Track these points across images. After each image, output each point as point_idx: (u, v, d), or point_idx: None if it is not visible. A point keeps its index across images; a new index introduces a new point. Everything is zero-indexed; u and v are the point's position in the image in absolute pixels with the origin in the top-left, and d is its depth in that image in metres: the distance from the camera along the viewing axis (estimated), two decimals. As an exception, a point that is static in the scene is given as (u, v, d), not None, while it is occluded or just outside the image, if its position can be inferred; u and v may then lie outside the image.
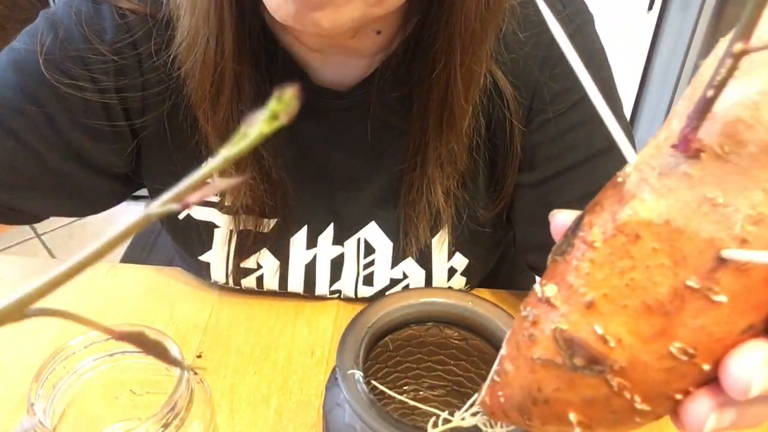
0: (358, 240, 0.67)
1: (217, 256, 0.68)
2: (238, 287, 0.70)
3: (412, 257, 0.67)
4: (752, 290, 0.21)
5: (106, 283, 0.72)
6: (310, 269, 0.68)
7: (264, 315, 0.69)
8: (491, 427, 0.30)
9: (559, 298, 0.25)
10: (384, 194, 0.65)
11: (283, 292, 0.70)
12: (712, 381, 0.23)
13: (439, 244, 0.66)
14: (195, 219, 0.66)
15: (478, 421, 0.30)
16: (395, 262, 0.67)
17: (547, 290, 0.25)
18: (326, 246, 0.68)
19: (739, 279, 0.21)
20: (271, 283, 0.69)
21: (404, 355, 0.51)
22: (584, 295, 0.24)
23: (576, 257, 0.24)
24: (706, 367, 0.22)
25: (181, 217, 0.67)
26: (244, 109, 0.56)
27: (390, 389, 0.53)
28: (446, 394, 0.54)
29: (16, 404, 0.59)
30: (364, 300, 0.70)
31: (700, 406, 0.23)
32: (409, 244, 0.65)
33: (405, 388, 0.54)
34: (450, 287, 0.68)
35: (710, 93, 0.20)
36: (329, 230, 0.67)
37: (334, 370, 0.46)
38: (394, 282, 0.68)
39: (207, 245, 0.68)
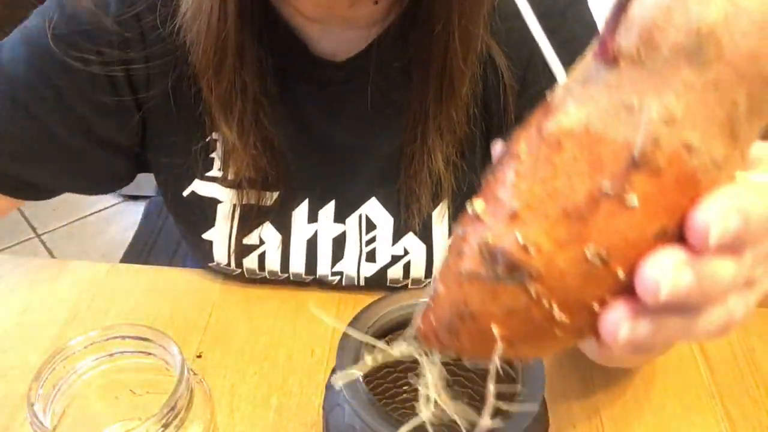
0: (359, 216, 0.68)
1: (220, 233, 0.68)
2: (240, 270, 0.70)
3: (413, 232, 0.67)
4: (664, 192, 0.22)
5: (106, 283, 0.72)
6: (312, 245, 0.69)
7: (264, 315, 0.69)
8: (426, 356, 0.30)
9: (487, 212, 0.25)
10: (384, 170, 0.66)
11: (285, 276, 0.70)
12: (628, 291, 0.23)
13: (440, 217, 0.67)
14: (199, 195, 0.67)
15: (413, 351, 0.30)
16: (396, 239, 0.68)
17: (477, 206, 0.26)
18: (328, 223, 0.68)
19: (651, 181, 0.21)
20: (273, 261, 0.69)
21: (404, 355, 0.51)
22: (509, 207, 0.24)
23: (503, 172, 0.25)
24: (621, 274, 0.23)
25: (185, 194, 0.68)
26: (246, 79, 0.58)
27: (390, 389, 0.53)
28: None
29: (16, 404, 0.59)
30: (366, 284, 0.70)
31: (615, 314, 0.23)
32: (411, 217, 0.66)
33: (405, 388, 0.54)
34: None
35: None
36: (330, 206, 0.68)
37: (334, 370, 0.46)
38: (395, 259, 0.68)
39: (210, 222, 0.68)
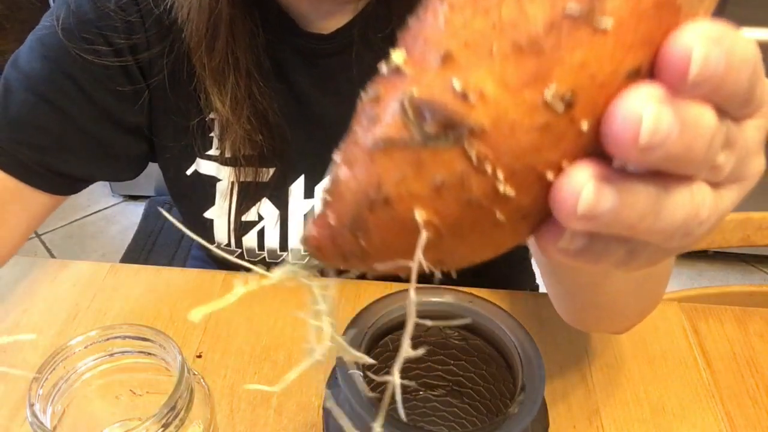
0: None
1: (220, 211, 0.69)
2: (240, 250, 0.70)
3: None
4: (642, 17, 0.17)
5: (106, 283, 0.72)
6: None
7: (264, 315, 0.69)
8: (317, 275, 0.22)
9: (410, 62, 0.19)
10: None
11: (283, 255, 0.71)
12: (591, 154, 0.19)
13: None
14: (200, 173, 0.68)
15: (296, 273, 0.23)
16: None
17: (395, 58, 0.19)
18: None
19: (628, 3, 0.17)
20: (272, 237, 0.70)
21: (404, 355, 0.51)
22: (440, 49, 0.18)
23: (430, 10, 0.19)
24: (585, 125, 0.18)
25: (189, 172, 0.69)
26: (238, 54, 0.59)
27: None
28: (446, 394, 0.54)
29: (16, 404, 0.59)
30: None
31: (577, 174, 0.18)
32: None
33: (405, 388, 0.54)
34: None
35: None
36: (326, 181, 0.68)
37: (334, 370, 0.46)
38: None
39: (210, 200, 0.69)
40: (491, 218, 0.19)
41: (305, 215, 0.70)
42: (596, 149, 0.19)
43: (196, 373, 0.47)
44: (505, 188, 0.18)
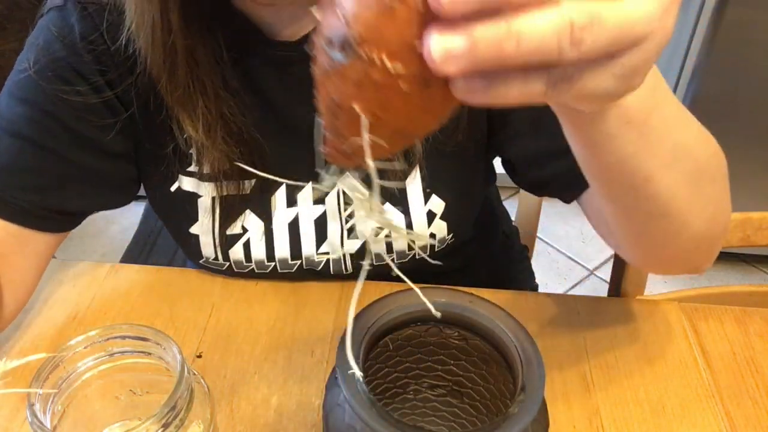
0: (338, 192, 0.69)
1: (204, 226, 0.69)
2: (228, 263, 0.71)
3: (390, 203, 0.68)
4: None
5: (106, 283, 0.72)
6: (294, 229, 0.70)
7: (264, 315, 0.69)
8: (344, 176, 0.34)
9: (320, 12, 0.28)
10: None
11: (271, 265, 0.71)
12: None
13: (413, 186, 0.68)
14: (183, 190, 0.68)
15: (335, 180, 0.34)
16: None
17: (314, 12, 0.29)
18: (307, 205, 0.69)
19: None
20: (258, 249, 0.70)
21: (404, 355, 0.51)
22: (332, 2, 0.27)
23: None
24: (420, 6, 0.25)
25: (172, 189, 0.69)
26: (203, 79, 0.59)
27: (390, 389, 0.53)
28: (446, 394, 0.54)
29: (16, 404, 0.59)
30: (352, 263, 0.71)
31: (430, 37, 0.25)
32: (384, 188, 0.66)
33: (405, 388, 0.54)
34: (433, 234, 0.69)
35: None
36: (308, 189, 0.69)
37: (334, 370, 0.46)
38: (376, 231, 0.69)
39: (194, 216, 0.69)
40: (399, 90, 0.27)
41: (289, 223, 0.70)
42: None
43: (196, 373, 0.47)
44: (395, 67, 0.26)
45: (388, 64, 0.26)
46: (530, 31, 0.24)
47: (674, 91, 1.71)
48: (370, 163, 0.29)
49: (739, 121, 1.63)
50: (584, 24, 0.25)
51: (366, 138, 0.28)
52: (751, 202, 1.76)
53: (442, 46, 0.25)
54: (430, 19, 0.25)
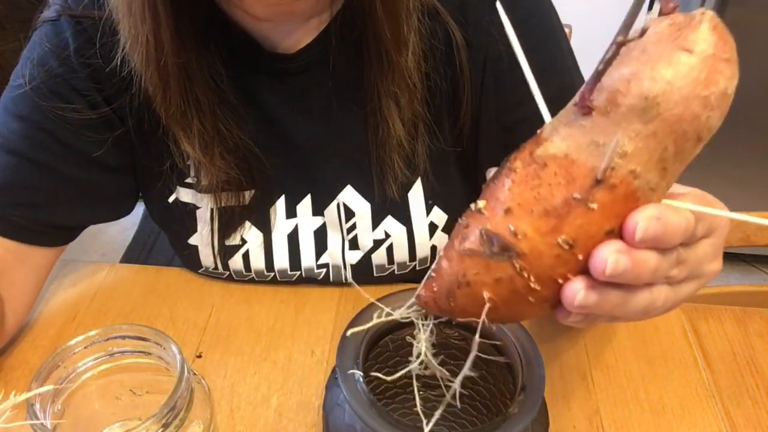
0: (338, 205, 0.68)
1: (203, 238, 0.69)
2: (228, 272, 0.71)
3: (392, 215, 0.68)
4: (615, 202, 0.31)
5: (106, 283, 0.72)
6: (294, 240, 0.70)
7: (264, 315, 0.69)
8: (423, 320, 0.38)
9: (487, 208, 0.34)
10: (355, 155, 0.66)
11: (271, 275, 0.71)
12: (584, 272, 0.33)
13: (415, 197, 0.68)
14: (182, 201, 0.68)
15: (413, 315, 0.38)
16: (376, 223, 0.69)
17: (480, 204, 0.34)
18: (306, 217, 0.69)
19: (607, 195, 0.31)
20: (257, 259, 0.70)
21: (404, 355, 0.51)
22: (505, 204, 0.33)
23: (501, 180, 0.34)
24: (581, 257, 0.32)
25: (170, 200, 0.69)
26: (199, 95, 0.59)
27: (390, 389, 0.53)
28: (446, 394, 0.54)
29: (16, 404, 0.59)
30: (353, 273, 0.71)
31: (575, 284, 0.32)
32: (388, 191, 0.66)
33: (405, 388, 0.54)
34: (434, 246, 0.69)
35: (600, 68, 0.30)
36: (307, 200, 0.69)
37: (334, 370, 0.46)
38: (377, 243, 0.69)
39: (192, 228, 0.69)
40: (526, 300, 0.33)
41: (288, 234, 0.70)
42: (587, 269, 0.32)
43: (196, 373, 0.47)
44: (534, 285, 0.33)
45: (532, 282, 0.32)
46: (636, 302, 0.34)
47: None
48: (477, 339, 0.35)
49: (739, 121, 1.63)
50: (662, 303, 0.35)
51: (483, 317, 0.34)
52: (751, 202, 1.76)
53: (582, 298, 0.32)
54: (580, 267, 0.32)
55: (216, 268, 0.71)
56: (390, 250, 0.70)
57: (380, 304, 0.41)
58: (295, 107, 0.65)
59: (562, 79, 0.65)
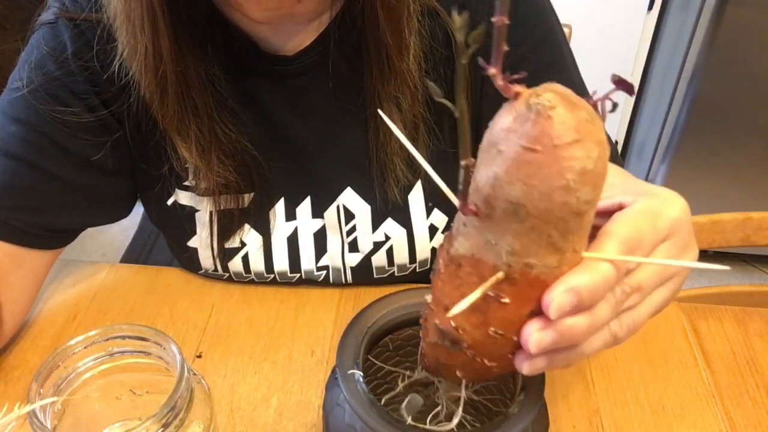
0: (338, 207, 0.68)
1: (202, 240, 0.69)
2: (227, 274, 0.71)
3: (392, 217, 0.68)
4: (523, 291, 0.33)
5: (106, 283, 0.72)
6: (293, 242, 0.70)
7: (264, 315, 0.69)
8: (439, 382, 0.43)
9: (433, 304, 0.37)
10: (354, 156, 0.66)
11: (270, 277, 0.71)
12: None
13: (415, 200, 0.68)
14: (180, 204, 0.68)
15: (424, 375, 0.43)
16: (376, 225, 0.69)
17: (428, 298, 0.38)
18: (306, 219, 0.69)
19: (513, 287, 0.33)
20: (257, 261, 0.70)
21: (404, 355, 0.51)
22: (441, 303, 0.36)
23: (436, 277, 0.37)
24: (515, 338, 0.35)
25: (169, 202, 0.68)
26: (196, 101, 0.59)
27: (390, 389, 0.53)
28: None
29: (16, 404, 0.59)
30: (353, 276, 0.71)
31: (519, 357, 0.36)
32: (388, 193, 0.67)
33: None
34: (434, 248, 0.69)
35: (461, 189, 0.32)
36: (306, 202, 0.69)
37: (334, 370, 0.46)
38: (377, 245, 0.69)
39: (191, 230, 0.69)
40: (492, 372, 0.37)
41: (288, 237, 0.70)
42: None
43: (196, 373, 0.47)
44: (491, 364, 0.37)
45: (488, 363, 0.36)
46: (591, 347, 0.36)
47: (674, 91, 1.71)
48: (460, 411, 0.42)
49: (739, 121, 1.63)
50: (624, 333, 0.37)
51: (463, 392, 0.41)
52: (751, 202, 1.76)
53: (530, 367, 0.35)
54: (518, 344, 0.35)
55: (216, 270, 0.71)
56: (390, 252, 0.70)
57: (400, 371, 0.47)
58: (295, 109, 0.65)
59: (562, 80, 0.65)
